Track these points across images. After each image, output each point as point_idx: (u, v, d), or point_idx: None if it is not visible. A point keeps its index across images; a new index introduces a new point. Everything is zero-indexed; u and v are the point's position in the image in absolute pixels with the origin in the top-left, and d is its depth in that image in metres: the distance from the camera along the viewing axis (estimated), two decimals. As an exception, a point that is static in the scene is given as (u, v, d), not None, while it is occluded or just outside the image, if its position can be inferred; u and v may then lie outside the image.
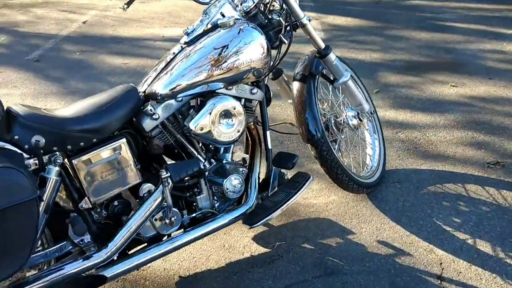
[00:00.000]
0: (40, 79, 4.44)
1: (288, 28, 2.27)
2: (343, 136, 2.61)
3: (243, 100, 2.12)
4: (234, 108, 1.99)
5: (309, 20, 2.32)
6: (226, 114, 1.98)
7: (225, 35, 2.01)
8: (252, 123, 2.24)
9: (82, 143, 1.76)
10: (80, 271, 1.75)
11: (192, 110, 2.00)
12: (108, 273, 1.79)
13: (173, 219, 1.91)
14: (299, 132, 2.41)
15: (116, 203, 1.88)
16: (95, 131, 1.78)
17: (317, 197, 2.65)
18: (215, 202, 2.09)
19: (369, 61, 4.49)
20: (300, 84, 2.42)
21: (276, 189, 2.20)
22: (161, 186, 1.85)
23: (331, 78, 2.49)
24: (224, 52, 1.98)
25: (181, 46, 2.07)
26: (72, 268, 1.74)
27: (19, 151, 1.63)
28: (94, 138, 1.78)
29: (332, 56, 2.40)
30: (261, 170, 2.22)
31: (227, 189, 2.05)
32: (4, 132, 1.64)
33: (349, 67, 2.69)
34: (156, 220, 1.91)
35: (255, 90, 2.13)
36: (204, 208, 2.06)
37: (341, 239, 2.34)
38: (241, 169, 2.13)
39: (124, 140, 1.83)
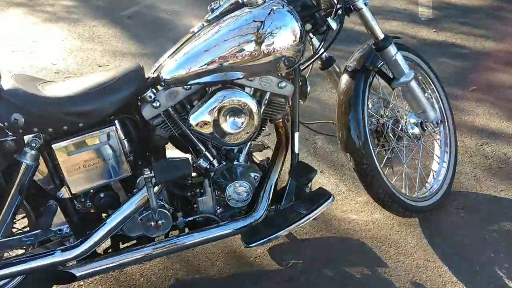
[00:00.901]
0: (125, 37, 4.42)
1: (339, 11, 1.89)
2: (400, 146, 2.18)
3: (267, 94, 1.81)
4: (245, 106, 1.69)
5: (366, 4, 1.91)
6: (234, 112, 1.69)
7: (252, 15, 1.70)
8: (280, 120, 1.92)
9: (65, 127, 1.60)
10: (50, 264, 1.63)
11: (197, 101, 1.73)
12: (79, 271, 1.65)
13: (159, 222, 1.70)
14: (337, 136, 2.04)
15: (102, 195, 1.71)
16: (81, 114, 1.60)
17: (358, 212, 2.27)
18: (218, 207, 1.83)
19: (478, 50, 3.79)
20: (348, 79, 2.02)
21: (291, 202, 1.88)
22: (144, 186, 1.64)
23: (390, 76, 2.06)
24: (248, 35, 1.67)
25: (203, 24, 1.79)
26: (42, 258, 1.62)
27: None
28: (80, 123, 1.61)
29: (391, 50, 1.96)
30: (280, 177, 1.91)
31: (229, 196, 1.78)
32: None
33: (427, 65, 2.22)
34: (142, 220, 1.72)
35: (283, 84, 1.80)
36: (205, 212, 1.82)
37: (369, 271, 1.96)
38: (253, 175, 1.83)
39: (113, 128, 1.64)
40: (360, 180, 2.04)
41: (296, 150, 1.90)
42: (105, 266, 1.68)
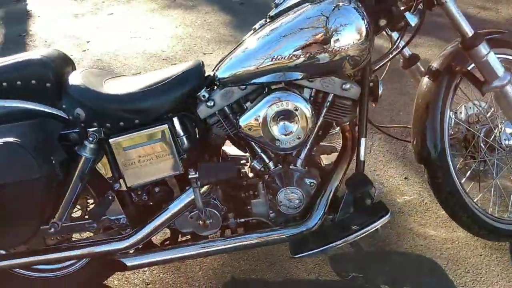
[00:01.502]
0: (234, 24, 4.49)
1: (420, 6, 1.69)
2: (492, 158, 1.90)
3: (330, 96, 1.69)
4: (296, 109, 1.59)
5: (452, -3, 1.67)
6: (285, 116, 1.60)
7: (314, 11, 1.59)
8: (347, 123, 1.79)
9: (122, 123, 1.65)
10: (104, 252, 1.71)
11: (248, 102, 1.68)
12: (130, 261, 1.71)
13: (207, 222, 1.70)
14: (411, 144, 1.84)
15: (157, 189, 1.75)
16: (137, 111, 1.65)
17: (438, 228, 2.04)
18: (271, 212, 1.77)
19: None
20: (429, 81, 1.81)
21: (348, 214, 1.74)
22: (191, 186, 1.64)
23: (481, 80, 1.79)
24: (309, 32, 1.57)
25: (265, 20, 1.73)
26: (96, 246, 1.71)
27: (59, 122, 1.62)
28: (136, 119, 1.65)
29: (482, 50, 1.70)
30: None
31: (280, 202, 1.71)
32: (55, 98, 1.64)
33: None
34: (191, 218, 1.73)
35: (347, 85, 1.66)
36: (258, 215, 1.78)
37: (436, 296, 1.77)
38: (308, 181, 1.73)
39: (166, 126, 1.65)
40: (434, 195, 1.83)
41: (362, 158, 1.75)
42: (154, 259, 1.72)
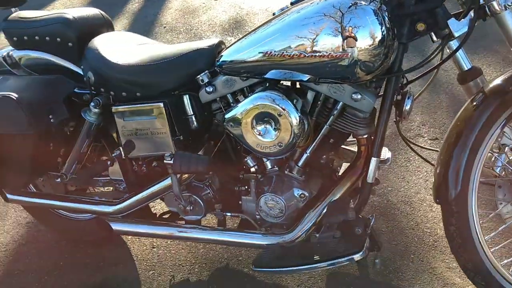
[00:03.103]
0: None
1: (470, 13, 1.36)
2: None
3: (340, 104, 1.47)
4: (280, 115, 1.42)
5: (510, 5, 1.30)
6: (267, 118, 1.44)
7: (328, 4, 1.37)
8: (364, 136, 1.56)
9: (124, 93, 1.66)
10: (94, 211, 1.81)
11: (239, 95, 1.54)
12: (116, 226, 1.77)
13: (187, 208, 1.66)
14: (433, 172, 1.52)
15: (154, 164, 1.76)
16: (137, 84, 1.64)
17: (465, 277, 1.70)
18: (257, 214, 1.65)
19: None
20: (473, 105, 1.46)
21: (332, 238, 1.53)
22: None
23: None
24: (320, 29, 1.37)
25: (287, 6, 1.55)
26: (87, 204, 1.82)
27: (76, 82, 1.71)
28: (137, 92, 1.65)
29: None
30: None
31: (260, 207, 1.59)
32: (76, 58, 1.72)
33: None
34: (175, 200, 1.70)
35: (357, 96, 1.43)
36: (246, 213, 1.68)
37: None
38: (298, 192, 1.57)
39: (161, 104, 1.61)
40: (447, 240, 1.52)
41: (370, 180, 1.52)
42: (135, 230, 1.76)
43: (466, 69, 1.57)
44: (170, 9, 4.52)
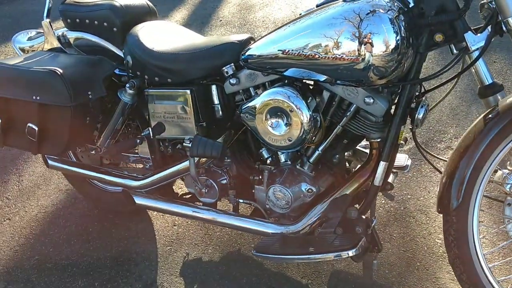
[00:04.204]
0: None
1: (488, 28, 1.38)
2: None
3: (353, 106, 1.54)
4: (291, 111, 1.49)
5: (524, 25, 1.31)
6: (279, 114, 1.52)
7: (349, 11, 1.43)
8: (377, 140, 1.60)
9: (156, 78, 1.80)
10: (120, 184, 1.95)
11: (261, 89, 1.63)
12: (140, 200, 1.90)
13: (203, 190, 1.78)
14: (440, 182, 1.54)
15: (178, 146, 1.88)
16: (168, 71, 1.76)
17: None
18: (267, 204, 1.74)
19: None
20: (485, 120, 1.47)
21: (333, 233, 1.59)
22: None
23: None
24: (339, 32, 1.43)
25: (315, 7, 1.62)
26: (115, 177, 1.98)
27: (113, 63, 1.86)
28: (168, 78, 1.78)
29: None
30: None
31: (269, 197, 1.67)
32: (120, 42, 1.88)
33: None
34: (193, 182, 1.82)
35: (370, 100, 1.49)
36: (258, 201, 1.77)
37: None
38: (306, 187, 1.64)
39: (188, 92, 1.73)
40: (446, 250, 1.54)
41: (377, 183, 1.57)
42: (155, 205, 1.89)
43: (487, 83, 1.58)
44: (229, 3, 4.66)
